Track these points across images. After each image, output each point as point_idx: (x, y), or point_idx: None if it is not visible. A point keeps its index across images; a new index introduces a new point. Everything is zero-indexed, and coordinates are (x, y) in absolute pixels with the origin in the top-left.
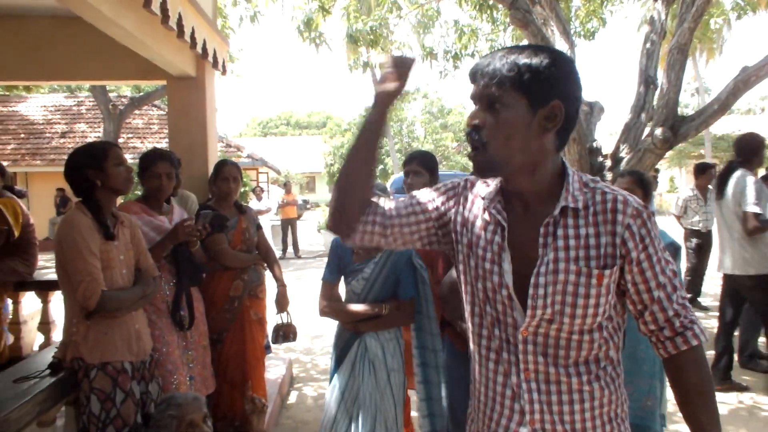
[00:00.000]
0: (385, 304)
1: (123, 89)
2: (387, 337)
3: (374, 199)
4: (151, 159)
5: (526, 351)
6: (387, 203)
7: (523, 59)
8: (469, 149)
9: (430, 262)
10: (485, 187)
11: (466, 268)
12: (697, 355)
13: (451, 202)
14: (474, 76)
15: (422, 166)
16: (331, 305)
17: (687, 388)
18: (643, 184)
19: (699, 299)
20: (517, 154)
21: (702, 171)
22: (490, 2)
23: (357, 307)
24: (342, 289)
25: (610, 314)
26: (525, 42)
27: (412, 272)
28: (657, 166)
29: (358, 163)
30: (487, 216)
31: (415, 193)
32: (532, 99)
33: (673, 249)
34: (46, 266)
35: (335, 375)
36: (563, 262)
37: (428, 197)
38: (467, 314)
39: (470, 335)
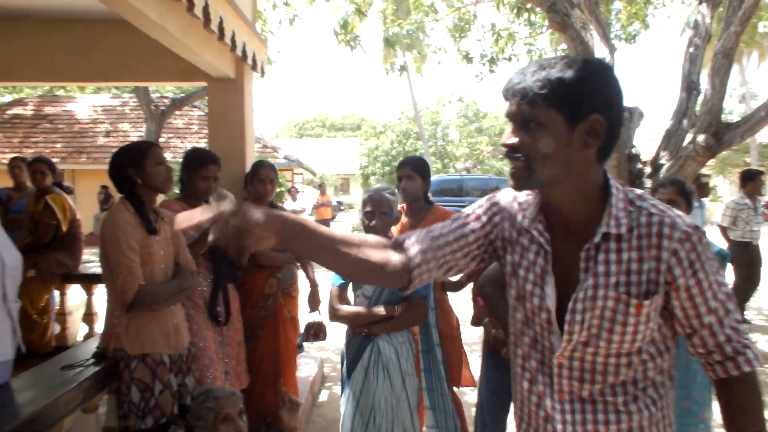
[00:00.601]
0: (397, 306)
1: (165, 90)
2: (400, 340)
3: (410, 245)
4: (201, 161)
5: (561, 375)
6: (429, 237)
7: (556, 73)
8: (510, 166)
9: None
10: (527, 202)
11: (509, 287)
12: (748, 379)
13: (497, 218)
14: (506, 94)
15: (415, 171)
16: (342, 309)
17: (734, 409)
18: (685, 194)
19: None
20: (558, 173)
21: (750, 178)
22: (528, 5)
23: (369, 310)
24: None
25: (653, 338)
26: (563, 46)
27: None
28: (707, 172)
29: (347, 270)
30: (529, 236)
31: (458, 215)
32: (569, 115)
33: (720, 257)
34: (90, 260)
35: (347, 382)
36: (602, 289)
37: (473, 216)
38: (510, 329)
39: (511, 351)
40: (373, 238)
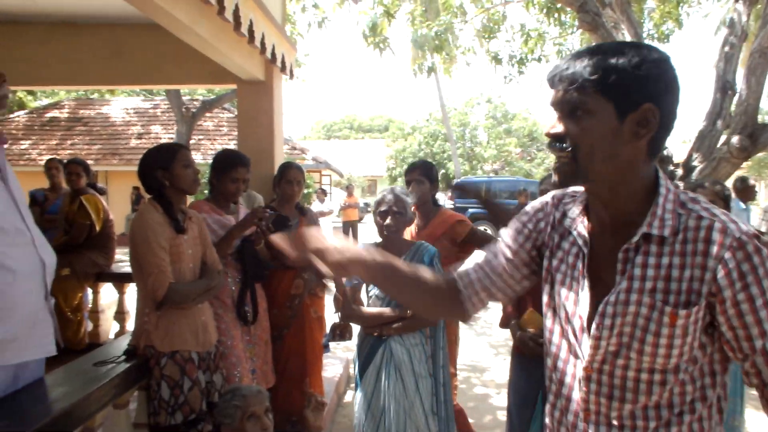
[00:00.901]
0: None
1: (196, 93)
2: (412, 342)
3: (462, 277)
4: (231, 163)
5: (590, 390)
6: (483, 270)
7: (607, 59)
8: (554, 158)
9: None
10: (572, 204)
11: (545, 294)
12: None
13: (541, 224)
14: (552, 80)
15: (423, 175)
16: (355, 310)
17: None
18: (724, 197)
19: None
20: (605, 165)
21: None
22: (558, 5)
23: (382, 310)
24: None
25: (694, 356)
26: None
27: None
28: (746, 174)
29: (407, 298)
30: (571, 238)
31: (505, 233)
32: (620, 103)
33: None
34: (122, 260)
35: (360, 384)
36: (636, 293)
37: (518, 230)
38: (545, 340)
39: (545, 362)
40: (429, 273)
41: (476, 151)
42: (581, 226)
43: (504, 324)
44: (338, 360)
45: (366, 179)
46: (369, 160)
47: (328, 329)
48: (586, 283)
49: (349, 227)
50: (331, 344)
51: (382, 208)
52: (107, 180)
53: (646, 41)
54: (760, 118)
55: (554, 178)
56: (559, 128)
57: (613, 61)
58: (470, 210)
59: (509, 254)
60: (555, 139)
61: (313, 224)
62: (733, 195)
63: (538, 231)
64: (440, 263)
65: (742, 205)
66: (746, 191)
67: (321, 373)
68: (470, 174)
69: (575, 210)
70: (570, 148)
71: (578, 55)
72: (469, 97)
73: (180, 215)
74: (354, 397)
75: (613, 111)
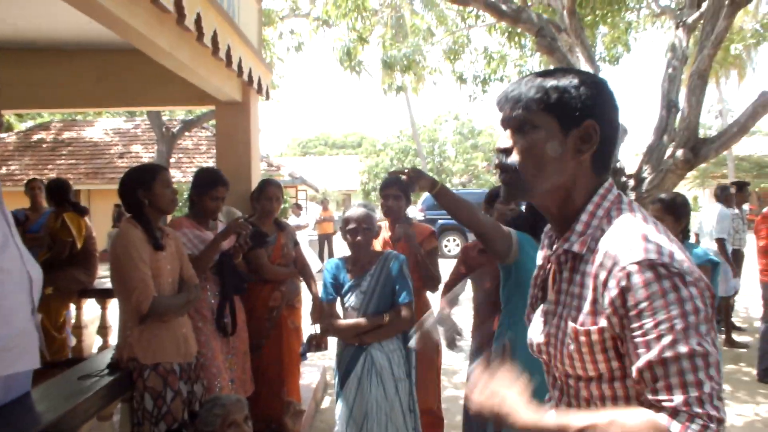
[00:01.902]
0: (385, 314)
1: (176, 113)
2: (391, 347)
3: None
4: (212, 182)
5: (554, 387)
6: None
7: (550, 81)
8: (498, 173)
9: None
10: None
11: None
12: None
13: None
14: (500, 102)
15: (401, 191)
16: (333, 323)
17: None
18: (673, 209)
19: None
20: (549, 177)
21: (739, 189)
22: (519, 30)
23: (360, 320)
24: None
25: (625, 373)
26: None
27: (405, 279)
28: (691, 184)
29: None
30: (542, 253)
31: None
32: (563, 120)
33: (711, 265)
34: (105, 275)
35: (341, 393)
36: (552, 305)
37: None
38: None
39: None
40: None
41: (445, 165)
42: (548, 240)
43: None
44: (315, 367)
45: (340, 194)
46: (343, 176)
47: (305, 339)
48: (538, 292)
49: (325, 240)
50: (308, 354)
51: (351, 226)
52: (90, 198)
53: (599, 64)
54: (702, 133)
55: (502, 193)
56: (508, 143)
57: (554, 82)
58: (440, 221)
59: None
60: (504, 153)
61: (291, 239)
62: (714, 201)
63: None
64: (409, 270)
65: (728, 211)
66: (727, 198)
67: (298, 381)
68: None
69: (548, 227)
70: (514, 166)
71: (524, 80)
72: (437, 115)
73: (158, 233)
74: (336, 407)
75: (557, 126)
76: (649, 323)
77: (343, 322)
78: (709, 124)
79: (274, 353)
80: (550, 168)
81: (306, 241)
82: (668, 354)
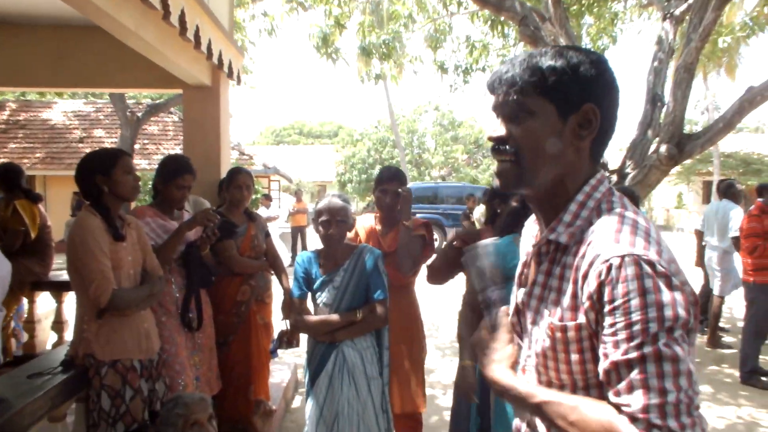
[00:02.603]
0: (358, 310)
1: (141, 96)
2: (364, 345)
3: None
4: (178, 170)
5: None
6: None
7: (547, 62)
8: (494, 163)
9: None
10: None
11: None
12: None
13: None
14: (492, 85)
15: (402, 186)
16: (304, 319)
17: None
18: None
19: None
20: (549, 167)
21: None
22: (502, 19)
23: (332, 317)
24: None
25: (586, 378)
26: None
27: (380, 275)
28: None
29: None
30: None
31: None
32: (561, 104)
33: None
34: (62, 267)
35: (311, 392)
36: (535, 300)
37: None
38: None
39: None
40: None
41: (424, 157)
42: (534, 230)
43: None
44: (286, 365)
45: (315, 185)
46: (318, 166)
47: (275, 335)
48: (517, 287)
49: (298, 232)
50: (279, 350)
51: (324, 218)
52: (46, 185)
53: None
54: (688, 129)
55: (496, 182)
56: (502, 131)
57: (551, 62)
58: (418, 215)
59: None
60: (497, 143)
61: (262, 230)
62: (715, 197)
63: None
64: (384, 265)
65: (740, 208)
66: (735, 195)
67: (267, 380)
68: (418, 180)
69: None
70: (513, 151)
71: (518, 59)
72: (417, 105)
73: (118, 222)
74: (306, 407)
75: (554, 112)
76: (621, 322)
77: (314, 318)
78: (696, 120)
79: (242, 350)
80: (549, 157)
81: (278, 233)
82: (633, 355)
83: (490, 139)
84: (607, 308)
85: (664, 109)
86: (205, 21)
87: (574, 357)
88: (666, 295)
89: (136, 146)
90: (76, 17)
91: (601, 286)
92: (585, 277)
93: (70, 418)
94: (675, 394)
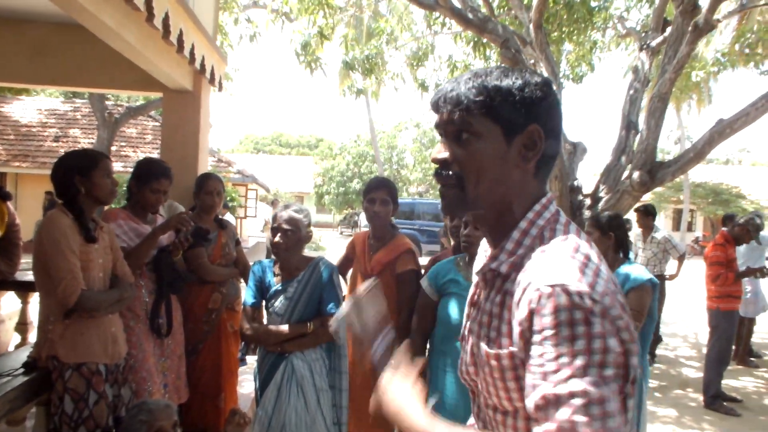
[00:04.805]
0: (309, 323)
1: (121, 98)
2: (313, 357)
3: None
4: (154, 173)
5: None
6: None
7: (493, 81)
8: (440, 186)
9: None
10: None
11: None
12: None
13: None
14: (437, 103)
15: (389, 196)
16: (254, 328)
17: None
18: (599, 224)
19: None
20: (493, 190)
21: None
22: (484, 41)
23: (282, 328)
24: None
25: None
26: None
27: (334, 288)
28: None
29: None
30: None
31: None
32: (506, 125)
33: (651, 285)
34: (29, 267)
35: (260, 401)
36: (476, 325)
37: None
38: None
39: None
40: None
41: (403, 173)
42: (486, 253)
43: None
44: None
45: (293, 195)
46: (296, 177)
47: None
48: (470, 311)
49: None
50: (248, 358)
51: (274, 225)
52: (17, 183)
53: (562, 80)
54: (661, 158)
55: (441, 205)
56: (445, 154)
57: (497, 83)
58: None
59: None
60: (441, 166)
61: (232, 237)
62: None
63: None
64: (339, 277)
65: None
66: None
67: (236, 388)
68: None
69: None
70: (456, 175)
71: (463, 78)
72: (398, 121)
73: (91, 224)
74: (254, 416)
75: (500, 133)
76: (550, 353)
77: (264, 327)
78: (668, 149)
79: (212, 358)
80: (492, 179)
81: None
82: (561, 391)
83: (434, 161)
84: (536, 337)
85: (638, 137)
86: (189, 25)
87: (511, 384)
88: (596, 327)
89: (113, 148)
90: (57, 13)
91: (531, 315)
92: (518, 304)
93: (30, 422)
94: None
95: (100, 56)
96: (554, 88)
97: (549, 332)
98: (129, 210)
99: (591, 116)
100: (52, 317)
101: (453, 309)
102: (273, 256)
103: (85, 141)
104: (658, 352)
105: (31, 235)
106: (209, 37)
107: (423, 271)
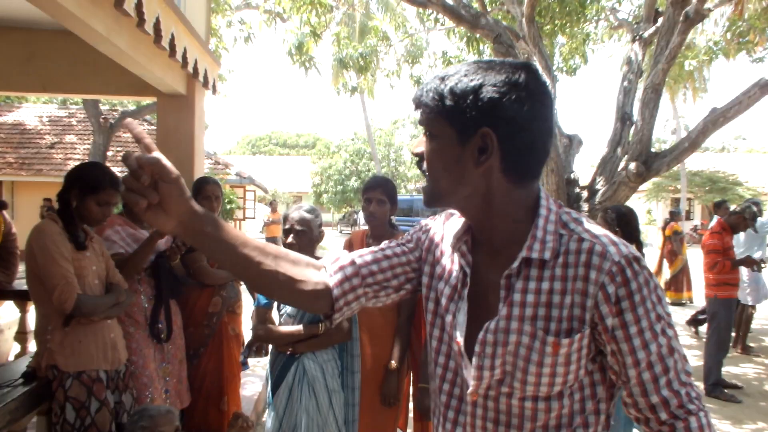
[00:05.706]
0: (321, 324)
1: (116, 103)
2: (325, 358)
3: (334, 269)
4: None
5: (475, 415)
6: (358, 261)
7: (449, 84)
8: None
9: None
10: (456, 222)
11: (429, 316)
12: None
13: (425, 240)
14: (417, 102)
15: (386, 195)
16: (266, 328)
17: None
18: (605, 218)
19: None
20: (456, 187)
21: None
22: (477, 36)
23: (293, 328)
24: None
25: (580, 382)
26: None
27: None
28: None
29: (255, 280)
30: (454, 257)
31: (389, 241)
32: (459, 129)
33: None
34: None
35: (271, 402)
36: (517, 321)
37: (404, 239)
38: (431, 367)
39: (434, 390)
40: (296, 254)
41: (400, 170)
42: (464, 247)
43: None
44: (258, 378)
45: (291, 195)
46: (294, 177)
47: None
48: (465, 307)
49: (273, 243)
50: (250, 361)
51: (286, 226)
52: (14, 191)
53: (556, 74)
54: (657, 148)
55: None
56: (421, 148)
57: (452, 85)
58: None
59: (395, 251)
60: (419, 158)
61: None
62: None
63: (422, 247)
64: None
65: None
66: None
67: (239, 391)
68: None
69: (459, 228)
70: (425, 169)
71: (432, 79)
72: (395, 119)
73: (81, 233)
74: (266, 418)
75: (455, 136)
76: (644, 321)
77: (275, 328)
78: (664, 139)
79: (213, 362)
80: (452, 178)
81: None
82: (670, 361)
83: (412, 153)
84: (624, 304)
85: (633, 128)
86: (181, 29)
87: (573, 367)
88: (653, 282)
89: (109, 153)
90: (47, 20)
91: (615, 287)
92: (587, 280)
93: None
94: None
95: (93, 62)
96: (533, 80)
97: (637, 297)
98: (126, 216)
99: (586, 108)
100: (50, 326)
101: None
102: None
103: (81, 147)
104: None
105: None
106: (201, 41)
107: None
